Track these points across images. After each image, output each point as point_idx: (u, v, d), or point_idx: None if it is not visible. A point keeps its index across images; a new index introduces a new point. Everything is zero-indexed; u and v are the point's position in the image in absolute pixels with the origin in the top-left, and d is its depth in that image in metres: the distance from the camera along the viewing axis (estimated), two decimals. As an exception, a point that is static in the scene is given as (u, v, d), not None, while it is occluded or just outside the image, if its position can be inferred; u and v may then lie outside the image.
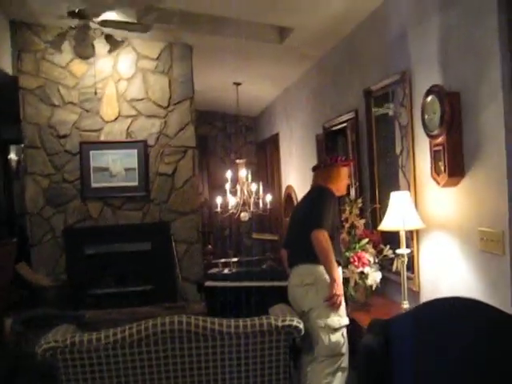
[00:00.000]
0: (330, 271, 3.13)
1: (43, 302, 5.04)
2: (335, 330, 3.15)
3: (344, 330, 3.21)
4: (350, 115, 4.63)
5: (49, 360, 2.68)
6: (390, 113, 3.92)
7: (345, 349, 3.22)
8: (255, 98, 8.20)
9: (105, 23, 4.75)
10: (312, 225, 3.15)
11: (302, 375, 3.29)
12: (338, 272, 3.20)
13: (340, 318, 3.18)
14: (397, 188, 3.72)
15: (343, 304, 3.23)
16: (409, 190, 3.50)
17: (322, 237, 3.11)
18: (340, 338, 3.18)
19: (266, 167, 9.19)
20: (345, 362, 3.25)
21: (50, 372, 2.86)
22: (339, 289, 3.14)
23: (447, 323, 2.17)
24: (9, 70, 5.67)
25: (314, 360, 3.21)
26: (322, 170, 3.51)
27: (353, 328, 3.35)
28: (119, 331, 2.71)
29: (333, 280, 3.12)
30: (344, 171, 3.49)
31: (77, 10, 4.68)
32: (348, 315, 3.29)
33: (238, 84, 7.13)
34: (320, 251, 3.12)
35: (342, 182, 3.49)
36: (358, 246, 3.58)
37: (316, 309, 3.15)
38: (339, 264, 3.27)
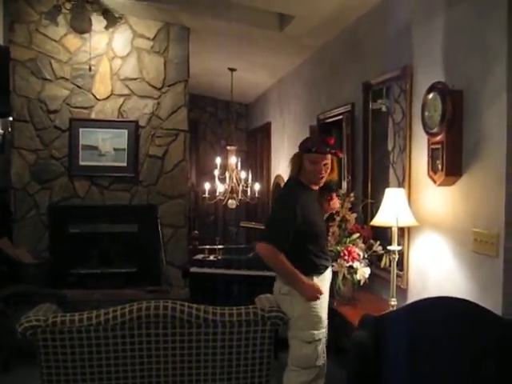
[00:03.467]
0: (292, 285, 2.88)
1: (24, 279, 4.97)
2: (309, 343, 2.94)
3: (318, 344, 2.95)
4: (347, 108, 4.58)
5: (29, 339, 2.62)
6: (383, 109, 3.88)
7: (320, 362, 2.98)
8: (249, 86, 8.11)
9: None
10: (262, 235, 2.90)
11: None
12: (305, 280, 2.89)
13: (315, 332, 2.94)
14: (387, 184, 3.69)
15: (323, 316, 2.98)
16: (399, 186, 3.47)
17: (265, 250, 2.85)
18: (313, 351, 2.95)
19: (256, 155, 9.13)
20: (321, 372, 3.02)
21: (29, 350, 2.81)
22: (314, 291, 2.90)
23: (440, 322, 2.15)
24: (0, 40, 5.53)
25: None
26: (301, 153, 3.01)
27: (340, 323, 3.32)
28: (102, 313, 2.65)
29: (302, 292, 2.88)
30: (311, 157, 2.93)
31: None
32: (335, 310, 3.23)
33: (232, 70, 7.03)
34: (272, 267, 2.90)
35: (313, 167, 2.94)
36: (348, 241, 3.55)
37: (291, 319, 2.90)
38: (320, 271, 2.99)
